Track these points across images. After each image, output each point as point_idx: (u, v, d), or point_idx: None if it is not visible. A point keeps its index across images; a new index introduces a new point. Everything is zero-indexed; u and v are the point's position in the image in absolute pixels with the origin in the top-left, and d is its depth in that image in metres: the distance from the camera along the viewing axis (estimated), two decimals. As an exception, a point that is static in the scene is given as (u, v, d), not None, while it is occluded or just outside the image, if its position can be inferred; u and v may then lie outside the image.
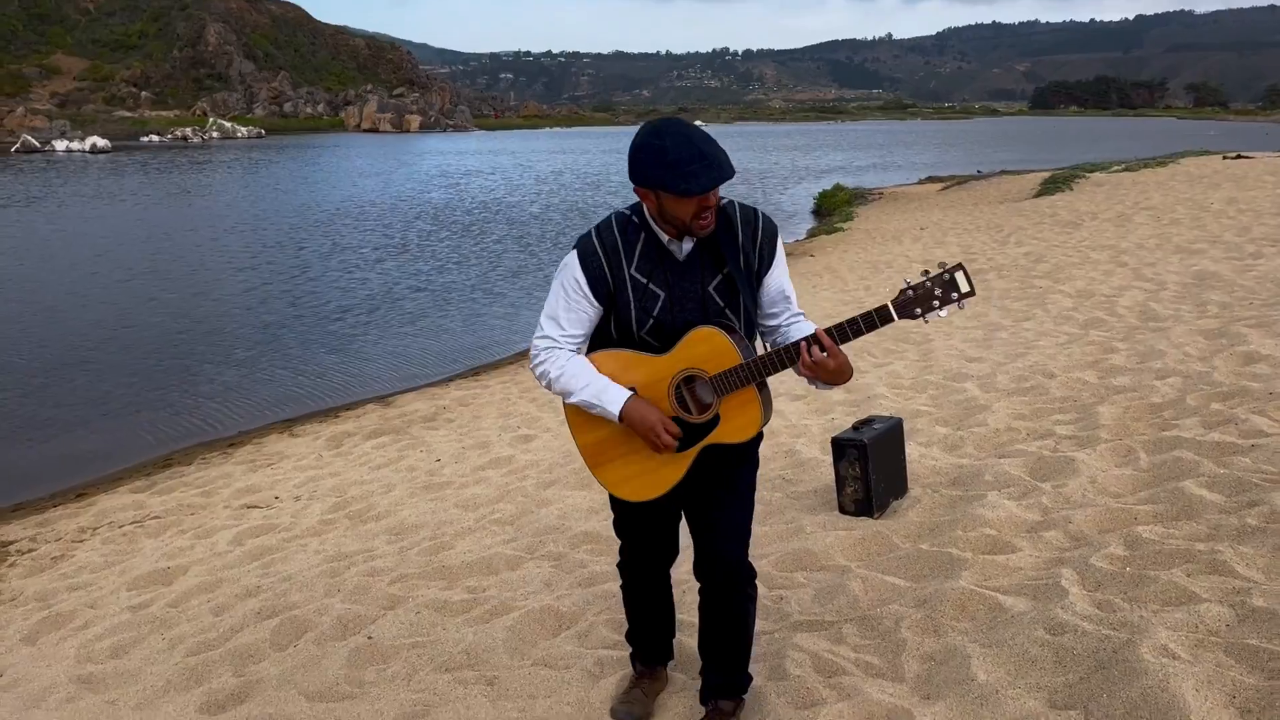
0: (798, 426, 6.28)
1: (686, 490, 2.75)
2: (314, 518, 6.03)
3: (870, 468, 4.35)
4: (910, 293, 2.51)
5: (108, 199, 34.07)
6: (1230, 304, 7.92)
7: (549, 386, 2.70)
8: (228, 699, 3.69)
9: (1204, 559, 3.40)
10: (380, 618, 4.17)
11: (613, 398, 2.61)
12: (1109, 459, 4.64)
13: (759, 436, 2.74)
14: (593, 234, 2.67)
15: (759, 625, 3.58)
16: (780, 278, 2.67)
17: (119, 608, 4.91)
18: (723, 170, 2.44)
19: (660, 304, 2.61)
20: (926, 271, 2.51)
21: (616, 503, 2.88)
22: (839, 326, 2.53)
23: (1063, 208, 17.91)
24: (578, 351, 2.70)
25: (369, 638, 3.97)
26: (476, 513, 5.60)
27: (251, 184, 41.08)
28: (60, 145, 70.43)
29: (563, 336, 2.68)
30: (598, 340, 2.75)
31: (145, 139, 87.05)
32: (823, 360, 2.48)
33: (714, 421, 2.63)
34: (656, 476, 2.69)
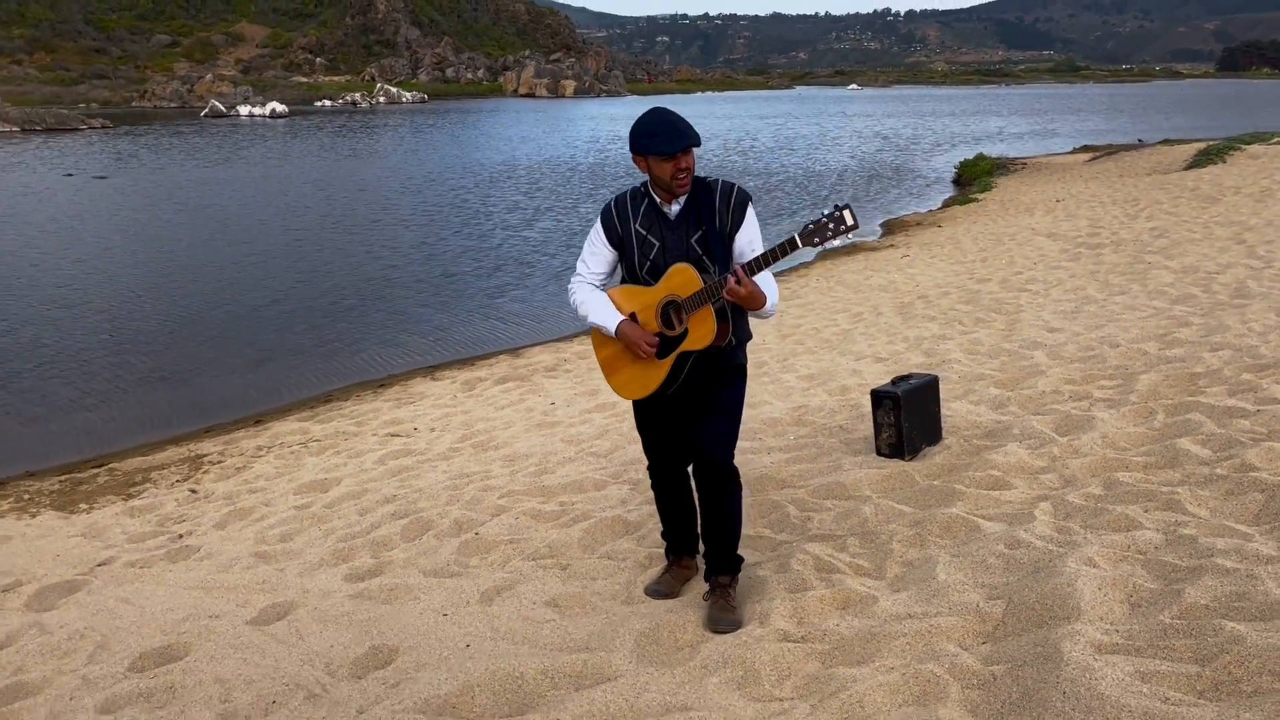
0: (870, 385, 6.91)
1: (678, 402, 3.61)
2: (445, 446, 7.10)
3: (902, 416, 5.01)
4: (811, 227, 3.31)
5: (295, 160, 36.92)
6: (1325, 283, 8.03)
7: (575, 309, 3.68)
8: (366, 573, 4.73)
9: (1163, 498, 3.97)
10: (487, 521, 5.14)
11: (611, 320, 3.57)
12: (1129, 419, 5.15)
13: (734, 357, 3.58)
14: (612, 201, 3.67)
15: (779, 535, 4.38)
16: (748, 236, 3.50)
17: (286, 507, 6.08)
18: (687, 137, 3.34)
19: (655, 250, 3.52)
20: (824, 211, 3.29)
21: (634, 407, 3.82)
22: (757, 259, 3.34)
23: (1208, 181, 17.45)
24: (602, 287, 3.67)
25: (476, 534, 4.95)
26: (578, 446, 6.52)
27: (417, 147, 43.44)
28: (244, 110, 75.47)
29: (588, 273, 3.67)
30: (617, 282, 3.72)
31: (318, 104, 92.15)
32: (734, 289, 3.28)
33: (684, 334, 3.48)
34: (646, 379, 3.59)
